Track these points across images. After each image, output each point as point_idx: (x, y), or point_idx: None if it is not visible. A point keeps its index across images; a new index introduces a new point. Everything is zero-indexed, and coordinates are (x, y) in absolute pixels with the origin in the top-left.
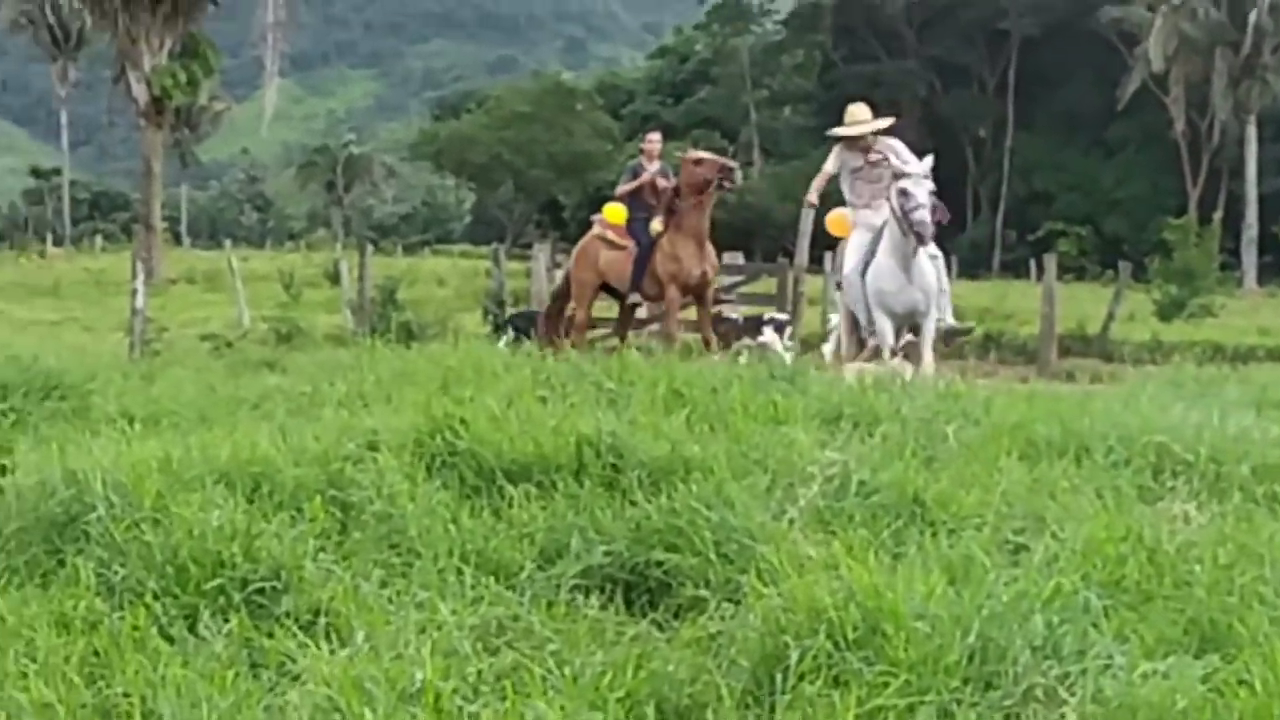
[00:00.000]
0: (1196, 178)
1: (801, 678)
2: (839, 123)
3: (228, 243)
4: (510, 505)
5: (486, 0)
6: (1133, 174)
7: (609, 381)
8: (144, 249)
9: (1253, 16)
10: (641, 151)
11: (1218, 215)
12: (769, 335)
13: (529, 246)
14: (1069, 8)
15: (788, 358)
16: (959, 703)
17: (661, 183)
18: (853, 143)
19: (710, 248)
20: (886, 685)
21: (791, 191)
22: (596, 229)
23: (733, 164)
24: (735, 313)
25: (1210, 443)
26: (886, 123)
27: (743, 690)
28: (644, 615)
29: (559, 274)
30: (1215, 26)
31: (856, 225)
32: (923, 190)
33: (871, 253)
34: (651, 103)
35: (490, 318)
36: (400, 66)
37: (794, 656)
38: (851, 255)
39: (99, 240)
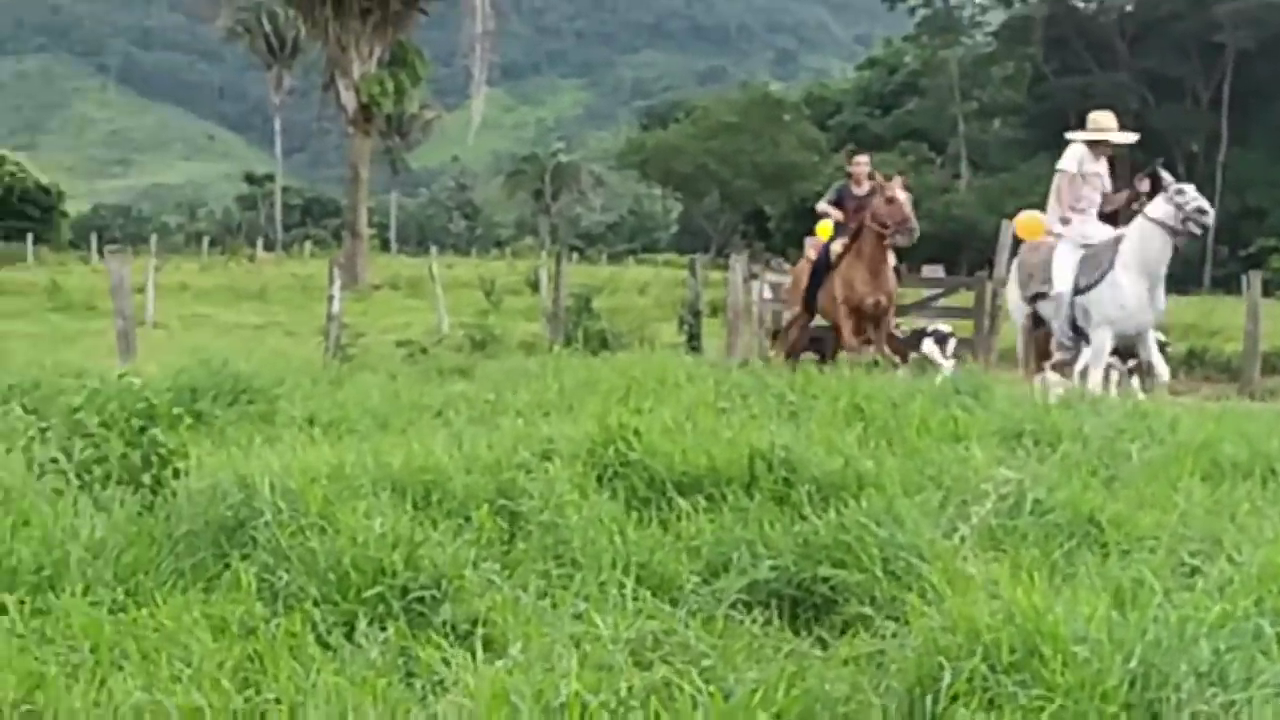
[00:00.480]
0: None
1: (955, 699)
2: (1051, 136)
3: (433, 249)
4: (678, 518)
5: (698, 11)
6: None
7: (790, 394)
8: (348, 255)
9: None
10: (849, 175)
11: None
12: (929, 347)
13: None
14: None
15: (948, 368)
16: None
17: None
18: (1094, 148)
19: (890, 275)
20: (1042, 710)
21: (998, 205)
22: (809, 250)
23: (914, 223)
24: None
25: None
26: (1133, 137)
27: (896, 710)
28: (808, 632)
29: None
30: None
31: (1063, 237)
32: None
33: (1102, 270)
34: (859, 114)
35: (685, 328)
36: (610, 76)
37: (947, 678)
38: (1064, 269)
39: (308, 246)
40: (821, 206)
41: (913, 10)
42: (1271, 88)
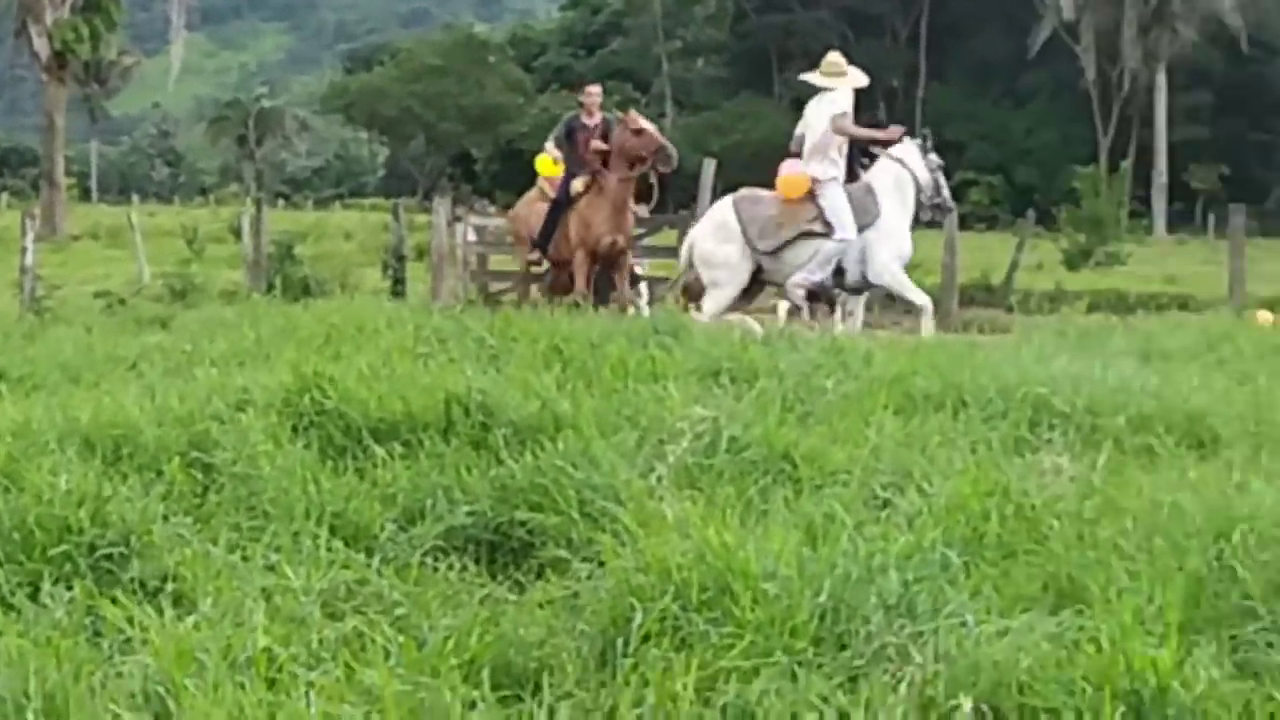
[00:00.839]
0: (1107, 127)
1: (647, 639)
2: (753, 74)
3: (135, 198)
4: (374, 465)
5: None
6: (1044, 123)
7: (490, 338)
8: (46, 205)
9: None
10: (580, 105)
11: (1126, 163)
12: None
13: (458, 200)
14: None
15: (645, 311)
16: (806, 663)
17: (596, 144)
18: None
19: (630, 217)
20: (732, 647)
21: (703, 142)
22: (543, 187)
23: (671, 148)
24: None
25: (1088, 394)
26: (864, 80)
27: (589, 652)
28: (505, 577)
29: (460, 228)
30: None
31: (834, 180)
32: None
33: (874, 213)
34: (564, 55)
35: (390, 272)
36: (313, 19)
37: (638, 618)
38: (846, 213)
39: (4, 197)
40: (549, 146)
41: None
42: (967, 24)
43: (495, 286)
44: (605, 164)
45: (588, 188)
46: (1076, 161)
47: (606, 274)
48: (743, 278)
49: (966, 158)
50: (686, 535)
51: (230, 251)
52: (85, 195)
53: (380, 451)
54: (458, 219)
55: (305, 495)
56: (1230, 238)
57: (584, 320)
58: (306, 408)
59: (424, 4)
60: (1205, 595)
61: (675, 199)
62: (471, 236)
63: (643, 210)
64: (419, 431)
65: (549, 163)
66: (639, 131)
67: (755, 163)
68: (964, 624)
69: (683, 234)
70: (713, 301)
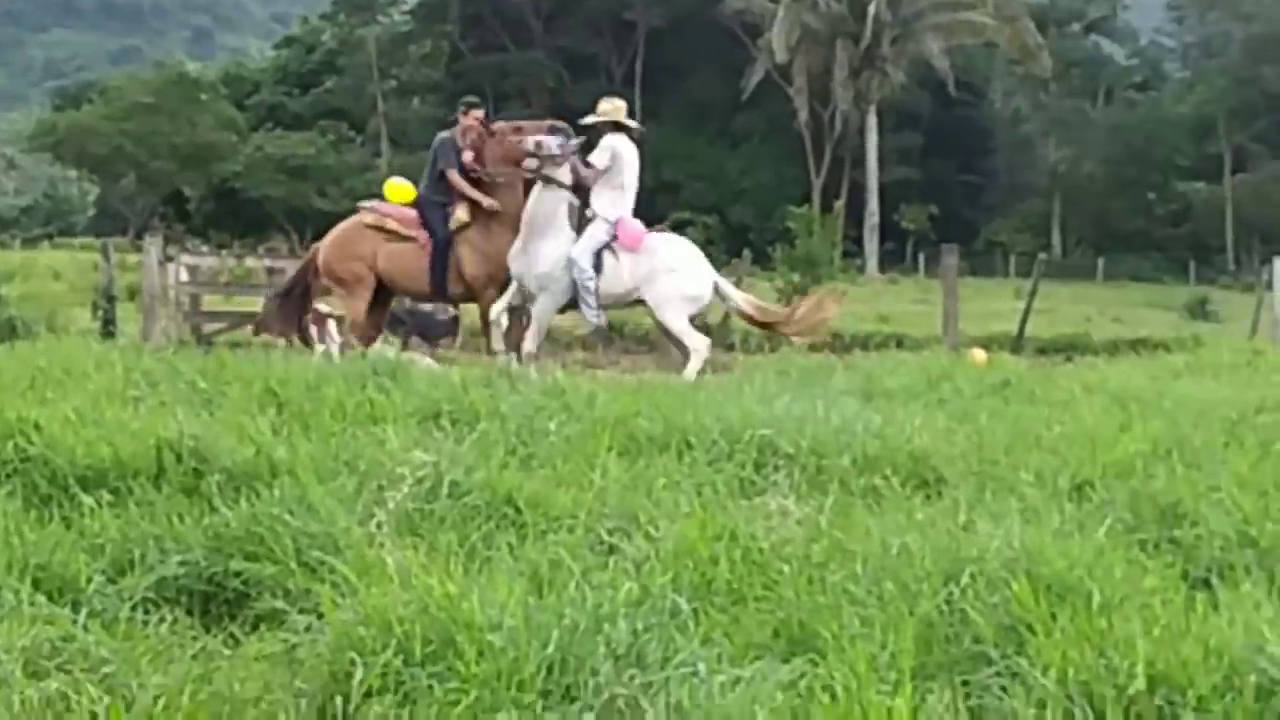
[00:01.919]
0: (820, 167)
1: (370, 695)
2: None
3: None
4: (81, 515)
5: None
6: (758, 163)
7: (203, 381)
8: None
9: (872, 8)
10: (455, 123)
11: (839, 203)
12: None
13: (170, 239)
14: None
15: (335, 351)
16: (534, 717)
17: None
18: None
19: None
20: (457, 702)
21: (418, 179)
22: (367, 216)
23: (561, 123)
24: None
25: (812, 435)
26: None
27: (309, 708)
28: (219, 630)
29: (174, 267)
30: (836, 18)
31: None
32: None
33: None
34: (278, 93)
35: (100, 313)
36: (20, 56)
37: (359, 673)
38: (587, 247)
39: None
40: (456, 179)
41: None
42: (682, 65)
43: (209, 327)
44: (480, 183)
45: (473, 214)
46: (791, 201)
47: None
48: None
49: (683, 197)
50: (408, 585)
51: None
52: None
53: (88, 500)
54: (169, 259)
55: (7, 547)
56: (942, 277)
57: (299, 362)
58: (10, 455)
59: (135, 42)
60: (937, 640)
61: None
62: (184, 276)
63: None
64: (129, 479)
65: (401, 190)
66: (519, 128)
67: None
68: (695, 674)
69: None
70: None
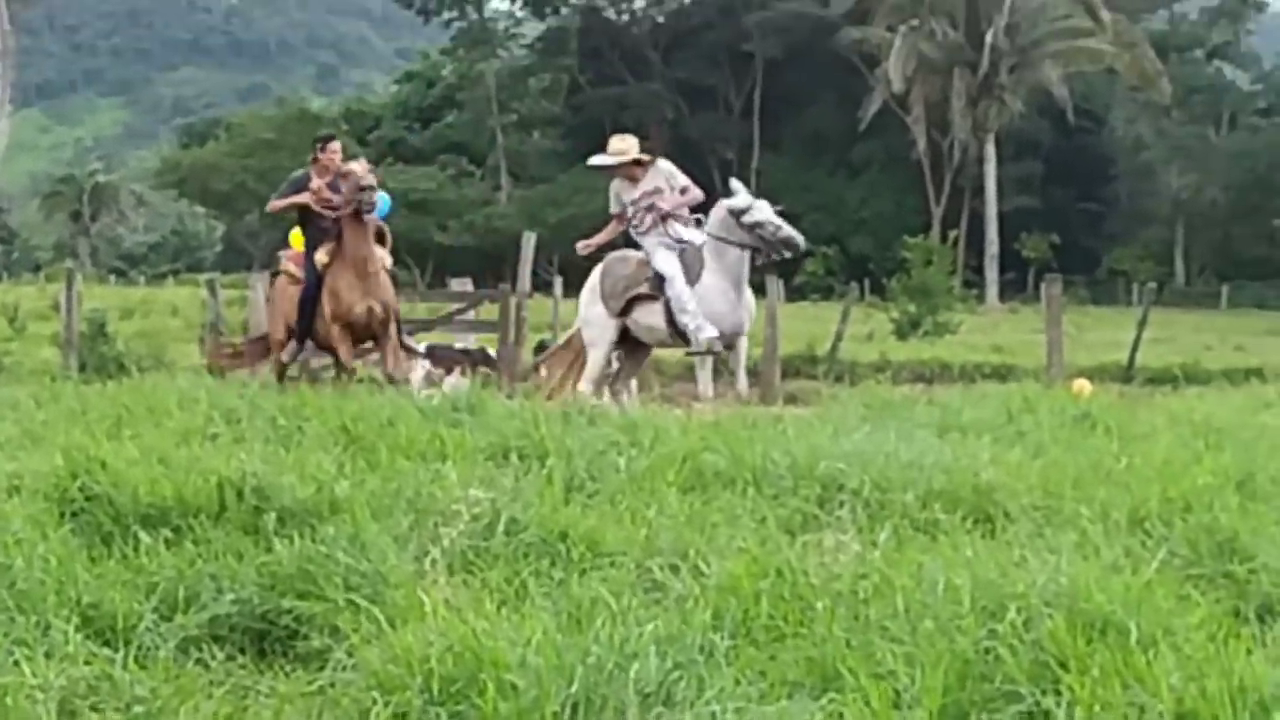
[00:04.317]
0: (939, 196)
1: None
2: (588, 146)
3: None
4: (139, 553)
5: (237, 27)
6: (877, 193)
7: (281, 418)
8: None
9: (989, 37)
10: (314, 161)
11: (954, 233)
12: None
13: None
14: (811, 30)
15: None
16: None
17: (329, 196)
18: (622, 175)
19: (385, 280)
20: None
21: (539, 215)
22: (285, 262)
23: (369, 182)
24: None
25: (879, 469)
26: (634, 153)
27: None
28: (269, 668)
29: None
30: (953, 47)
31: (650, 254)
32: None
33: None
34: (399, 128)
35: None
36: (149, 94)
37: (375, 713)
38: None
39: None
40: (277, 203)
41: (449, 23)
42: (799, 95)
43: (316, 363)
44: (337, 222)
45: (332, 256)
46: (910, 231)
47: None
48: (610, 336)
49: (801, 228)
50: (441, 623)
51: (53, 329)
52: None
53: (147, 539)
54: None
55: (58, 585)
56: (1046, 307)
57: (376, 400)
58: (75, 494)
59: (262, 79)
60: (971, 677)
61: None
62: None
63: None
64: (189, 517)
65: (299, 236)
66: (345, 174)
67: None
68: (717, 713)
69: (504, 309)
70: (590, 364)
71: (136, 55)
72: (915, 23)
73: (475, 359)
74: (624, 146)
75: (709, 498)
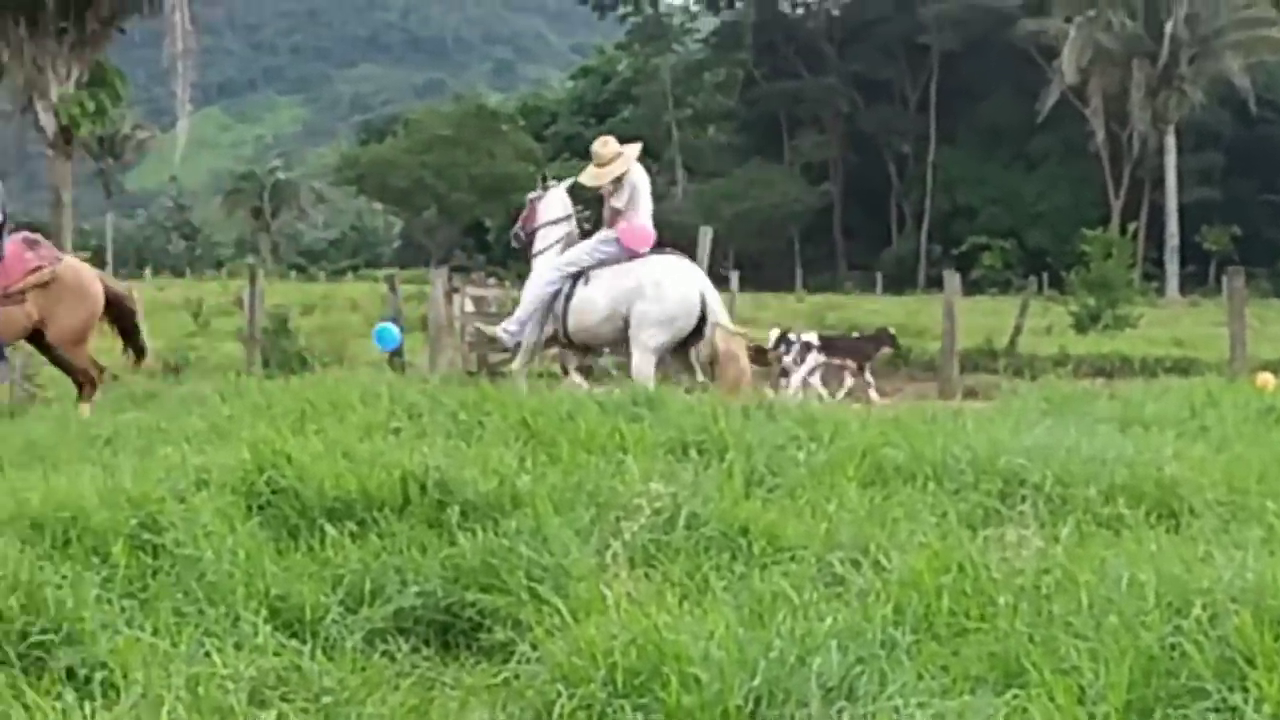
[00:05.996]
0: (1118, 189)
1: None
2: (764, 140)
3: (147, 271)
4: (325, 546)
5: (414, 24)
6: (1055, 186)
7: (462, 413)
8: None
9: (1169, 27)
10: None
11: (1133, 225)
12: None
13: (457, 269)
14: (987, 22)
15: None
16: None
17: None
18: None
19: None
20: None
21: (715, 209)
22: None
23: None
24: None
25: (1060, 463)
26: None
27: None
28: (453, 659)
29: (459, 299)
30: (1131, 38)
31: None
32: None
33: None
34: (574, 123)
35: None
36: (328, 91)
37: (559, 705)
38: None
39: None
40: None
41: (624, 18)
42: (976, 87)
43: (495, 358)
44: None
45: None
46: (1088, 224)
47: None
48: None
49: (978, 222)
50: (624, 617)
51: (236, 324)
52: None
53: (332, 532)
54: (455, 290)
55: (247, 577)
56: (1230, 300)
57: (556, 394)
58: (262, 488)
59: (439, 75)
60: (1157, 673)
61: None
62: (469, 307)
63: None
64: (374, 510)
65: None
66: None
67: (767, 228)
68: (900, 707)
69: None
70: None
71: (315, 53)
72: (1092, 13)
73: (882, 340)
74: (608, 153)
75: (889, 492)
